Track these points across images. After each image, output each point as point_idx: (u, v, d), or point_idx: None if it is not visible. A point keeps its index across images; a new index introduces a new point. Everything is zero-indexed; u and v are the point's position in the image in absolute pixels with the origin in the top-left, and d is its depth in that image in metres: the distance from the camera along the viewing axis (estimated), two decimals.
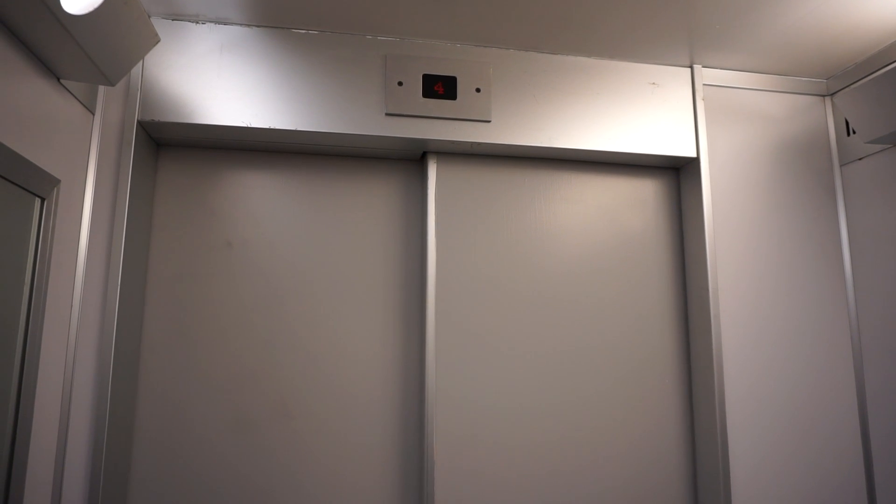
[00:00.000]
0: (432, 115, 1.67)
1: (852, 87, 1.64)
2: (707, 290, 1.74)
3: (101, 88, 1.52)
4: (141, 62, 1.55)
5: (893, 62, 1.67)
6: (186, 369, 1.62)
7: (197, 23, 1.60)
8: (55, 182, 1.32)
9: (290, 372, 1.67)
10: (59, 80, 1.32)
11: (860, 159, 1.84)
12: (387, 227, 1.79)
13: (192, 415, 1.61)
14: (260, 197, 1.74)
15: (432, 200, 1.76)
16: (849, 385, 1.81)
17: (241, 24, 1.62)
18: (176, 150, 1.72)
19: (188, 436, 1.60)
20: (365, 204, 1.79)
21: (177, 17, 1.59)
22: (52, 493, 1.34)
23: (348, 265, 1.75)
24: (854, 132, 1.84)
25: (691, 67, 1.85)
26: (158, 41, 1.34)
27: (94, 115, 1.50)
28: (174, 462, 1.58)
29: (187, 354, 1.63)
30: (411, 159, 1.83)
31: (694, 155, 1.81)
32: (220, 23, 1.61)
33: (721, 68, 1.88)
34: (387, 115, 1.65)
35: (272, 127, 1.59)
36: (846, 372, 1.82)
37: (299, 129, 1.61)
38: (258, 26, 1.63)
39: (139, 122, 1.54)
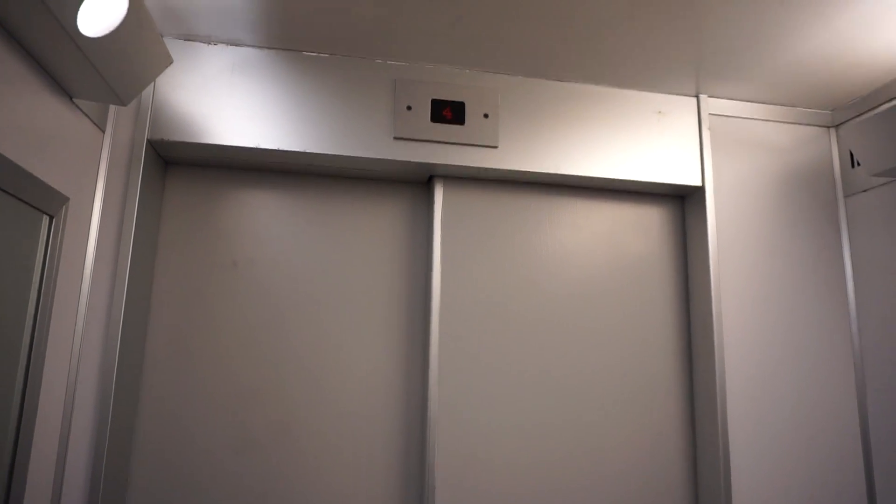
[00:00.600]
0: (440, 139, 1.68)
1: (858, 119, 1.65)
2: (711, 316, 1.74)
3: (112, 107, 1.53)
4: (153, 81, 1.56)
5: None
6: (189, 387, 1.61)
7: (209, 44, 1.62)
8: (64, 200, 1.32)
9: (293, 391, 1.66)
10: (71, 98, 1.33)
11: (864, 191, 1.85)
12: (392, 249, 1.79)
13: (194, 432, 1.59)
14: (266, 217, 1.74)
15: (438, 224, 1.76)
16: (852, 414, 1.80)
17: (252, 46, 1.64)
18: (184, 168, 1.72)
19: (190, 453, 1.58)
20: (371, 226, 1.79)
21: (189, 37, 1.60)
22: None
23: (353, 287, 1.75)
24: (858, 164, 1.85)
25: (697, 97, 1.86)
26: (171, 62, 1.35)
27: (104, 133, 1.51)
28: (175, 479, 1.56)
29: (190, 372, 1.62)
30: (418, 182, 1.84)
31: (699, 184, 1.81)
32: (232, 44, 1.63)
33: (727, 98, 1.89)
34: (395, 138, 1.66)
35: (281, 148, 1.60)
36: (849, 402, 1.80)
37: (308, 150, 1.61)
38: (269, 48, 1.65)
39: (149, 141, 1.55)
